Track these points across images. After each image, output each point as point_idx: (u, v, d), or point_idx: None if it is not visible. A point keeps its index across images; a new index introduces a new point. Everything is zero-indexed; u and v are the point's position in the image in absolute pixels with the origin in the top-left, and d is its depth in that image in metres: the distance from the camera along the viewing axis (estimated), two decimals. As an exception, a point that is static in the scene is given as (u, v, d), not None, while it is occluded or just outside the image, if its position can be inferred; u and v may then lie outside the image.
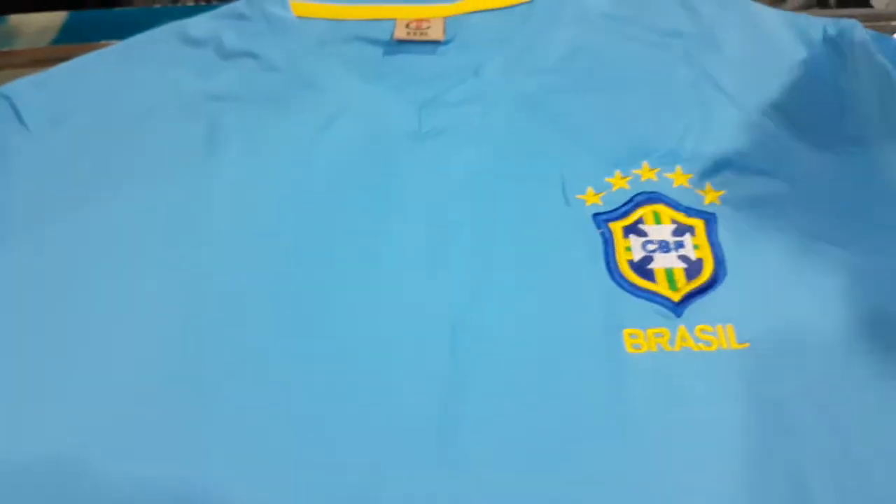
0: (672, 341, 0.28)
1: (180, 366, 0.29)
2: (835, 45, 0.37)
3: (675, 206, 0.32)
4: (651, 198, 0.32)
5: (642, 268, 0.30)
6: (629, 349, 0.28)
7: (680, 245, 0.31)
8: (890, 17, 0.57)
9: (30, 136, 0.35)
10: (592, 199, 0.32)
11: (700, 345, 0.28)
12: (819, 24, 0.38)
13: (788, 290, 0.29)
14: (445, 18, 0.39)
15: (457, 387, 0.28)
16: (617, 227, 0.31)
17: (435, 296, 0.30)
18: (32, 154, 0.35)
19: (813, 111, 0.35)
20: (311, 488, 0.26)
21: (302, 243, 0.32)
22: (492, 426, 0.27)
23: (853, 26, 0.37)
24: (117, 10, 0.56)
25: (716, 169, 0.33)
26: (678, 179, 0.32)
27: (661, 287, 0.29)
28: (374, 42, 0.39)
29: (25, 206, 0.33)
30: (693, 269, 0.30)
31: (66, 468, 0.27)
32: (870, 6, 0.58)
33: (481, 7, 0.39)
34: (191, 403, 0.28)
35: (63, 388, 0.29)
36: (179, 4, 0.73)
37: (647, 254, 0.30)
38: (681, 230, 0.31)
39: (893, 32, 0.55)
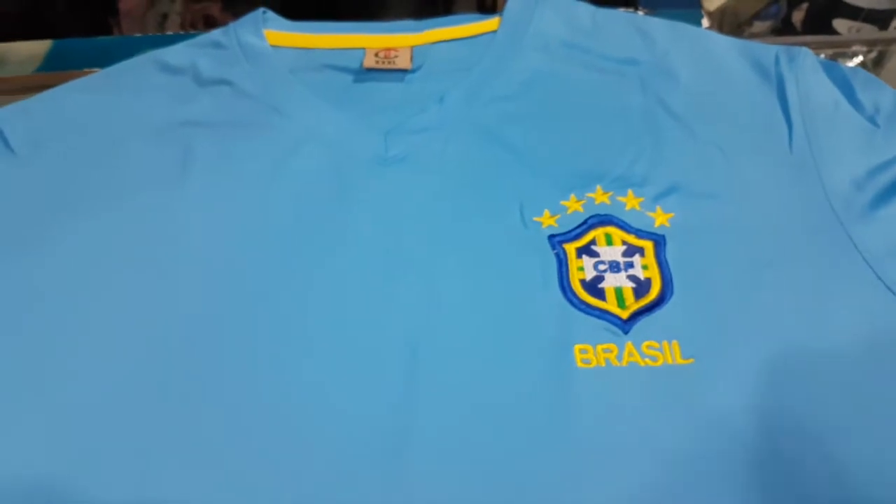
0: (620, 356, 0.30)
1: (141, 387, 0.30)
2: (786, 71, 0.38)
3: (626, 228, 0.33)
4: (603, 220, 0.34)
5: (594, 287, 0.32)
6: (579, 364, 0.29)
7: (630, 265, 0.32)
8: (853, 43, 0.59)
9: (15, 159, 0.37)
10: (548, 222, 0.34)
11: (646, 360, 0.29)
12: (771, 51, 0.39)
13: (733, 309, 0.31)
14: (412, 48, 0.40)
15: (412, 404, 0.29)
16: (571, 248, 0.33)
17: (393, 317, 0.31)
18: (17, 176, 0.36)
19: (763, 136, 0.36)
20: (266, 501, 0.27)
21: (266, 264, 0.33)
22: (443, 442, 0.28)
23: (804, 54, 0.39)
24: (99, 38, 0.57)
25: (666, 192, 0.34)
26: (630, 203, 0.34)
27: (610, 305, 0.31)
28: (343, 70, 0.40)
29: (9, 225, 0.35)
30: (641, 288, 0.31)
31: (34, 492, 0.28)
32: (835, 32, 0.60)
33: (447, 37, 0.41)
34: (152, 421, 0.29)
35: (29, 410, 0.30)
36: (165, 32, 0.75)
37: (599, 273, 0.32)
38: (631, 251, 0.33)
39: (854, 56, 0.57)
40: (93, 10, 0.75)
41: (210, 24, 0.70)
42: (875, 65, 0.58)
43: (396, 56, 0.40)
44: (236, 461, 0.28)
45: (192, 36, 0.42)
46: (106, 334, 0.31)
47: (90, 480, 0.28)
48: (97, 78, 0.41)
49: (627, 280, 0.32)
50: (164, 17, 0.77)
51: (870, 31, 0.59)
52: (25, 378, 0.31)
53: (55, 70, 0.45)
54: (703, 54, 0.40)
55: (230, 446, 0.29)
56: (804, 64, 0.38)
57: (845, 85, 0.38)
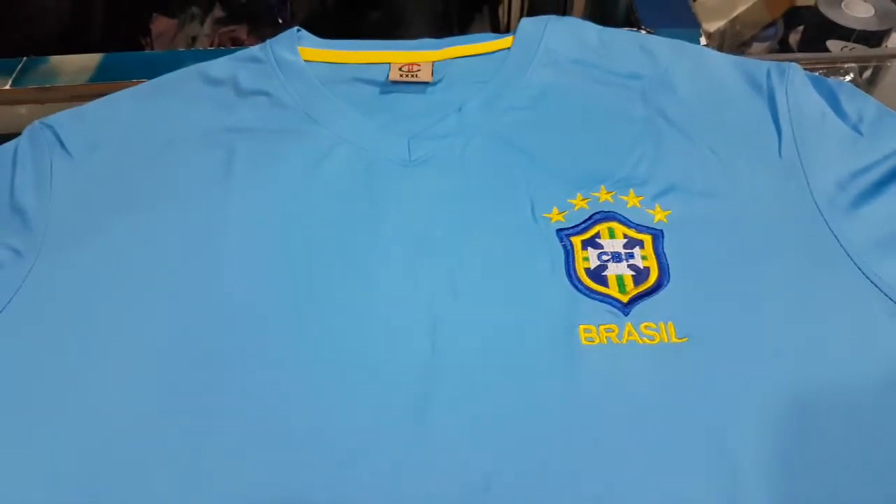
0: (620, 335, 0.33)
1: (191, 361, 0.34)
2: (776, 84, 0.41)
3: (628, 223, 0.37)
4: (607, 216, 0.37)
5: (597, 274, 0.35)
6: (583, 341, 0.33)
7: (630, 256, 0.35)
8: (844, 60, 0.62)
9: (71, 160, 0.40)
10: (557, 217, 0.37)
11: (644, 339, 0.33)
12: (763, 66, 0.43)
13: (723, 295, 0.34)
14: (434, 63, 0.44)
15: (434, 376, 0.32)
16: (577, 240, 0.36)
17: (417, 300, 0.35)
18: (73, 175, 0.40)
19: (754, 142, 0.40)
20: (303, 455, 0.31)
21: (304, 254, 0.37)
22: (463, 407, 0.32)
23: (794, 69, 0.42)
24: (146, 52, 0.62)
25: (665, 192, 0.38)
26: (631, 201, 0.37)
27: (612, 291, 0.34)
28: (371, 83, 0.44)
29: (66, 221, 0.38)
30: (640, 276, 0.35)
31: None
32: (827, 51, 0.63)
33: (465, 53, 0.45)
34: (202, 387, 0.33)
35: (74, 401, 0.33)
36: (197, 48, 0.80)
37: (602, 263, 0.35)
38: (631, 243, 0.36)
39: (847, 74, 0.60)
40: (127, 32, 0.81)
41: (237, 45, 0.75)
42: (869, 84, 0.61)
43: (419, 70, 0.43)
44: (280, 419, 0.32)
45: (232, 51, 0.46)
46: (154, 327, 0.35)
47: (134, 477, 0.31)
48: (146, 87, 0.44)
49: (628, 269, 0.35)
50: (194, 39, 0.82)
51: (862, 50, 0.62)
52: (68, 368, 0.34)
53: (106, 81, 0.49)
54: (701, 69, 0.43)
55: (277, 410, 0.32)
56: (793, 77, 0.41)
57: (831, 97, 0.41)
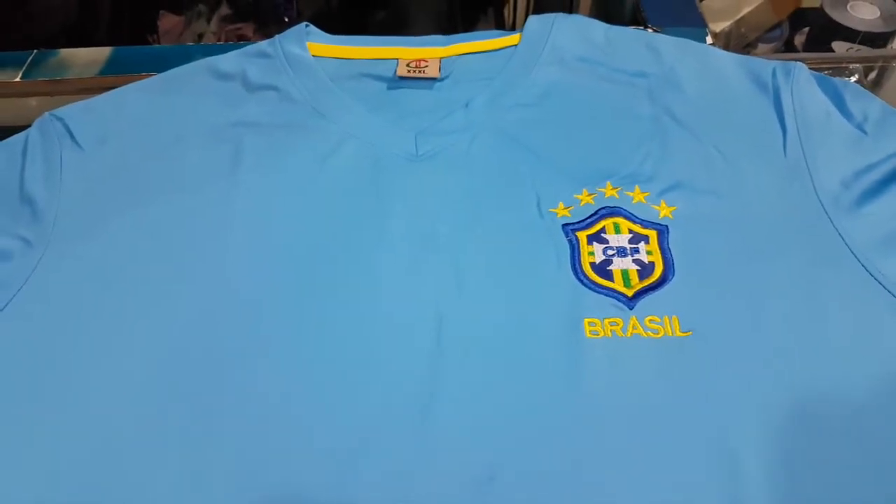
0: (625, 329, 0.33)
1: (194, 356, 0.34)
2: (782, 83, 0.42)
3: (633, 218, 0.37)
4: (612, 212, 0.37)
5: (602, 269, 0.35)
6: (588, 335, 0.33)
7: (635, 251, 0.36)
8: (850, 61, 0.62)
9: (81, 152, 0.41)
10: (562, 213, 0.37)
11: (648, 332, 0.33)
12: (769, 65, 0.43)
13: (728, 289, 0.34)
14: (441, 59, 0.44)
15: (439, 373, 0.33)
16: (582, 235, 0.36)
17: (421, 295, 0.35)
18: (82, 167, 0.40)
19: (759, 140, 0.40)
20: (305, 454, 0.31)
21: (311, 248, 0.37)
22: (467, 404, 0.32)
23: (799, 68, 0.42)
24: (155, 46, 0.62)
25: (670, 188, 0.38)
26: (636, 197, 0.38)
27: (617, 285, 0.34)
28: (378, 78, 0.44)
29: (75, 212, 0.39)
30: (645, 270, 0.35)
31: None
32: (832, 51, 0.63)
33: (472, 50, 0.45)
34: (204, 385, 0.33)
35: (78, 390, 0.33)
36: (202, 43, 0.80)
37: (607, 257, 0.36)
38: (637, 238, 0.36)
39: (852, 75, 0.60)
40: (134, 29, 0.81)
41: (244, 43, 0.75)
42: (874, 85, 0.61)
43: (426, 66, 0.44)
44: (284, 414, 0.32)
45: (241, 46, 0.46)
46: (158, 322, 0.35)
47: (140, 466, 0.31)
48: (155, 81, 0.45)
49: (633, 263, 0.35)
50: (200, 36, 0.83)
51: (867, 51, 0.62)
52: (74, 359, 0.34)
53: (115, 74, 0.49)
54: (707, 68, 0.43)
55: (281, 404, 0.32)
56: (799, 77, 0.41)
57: (836, 96, 0.42)
